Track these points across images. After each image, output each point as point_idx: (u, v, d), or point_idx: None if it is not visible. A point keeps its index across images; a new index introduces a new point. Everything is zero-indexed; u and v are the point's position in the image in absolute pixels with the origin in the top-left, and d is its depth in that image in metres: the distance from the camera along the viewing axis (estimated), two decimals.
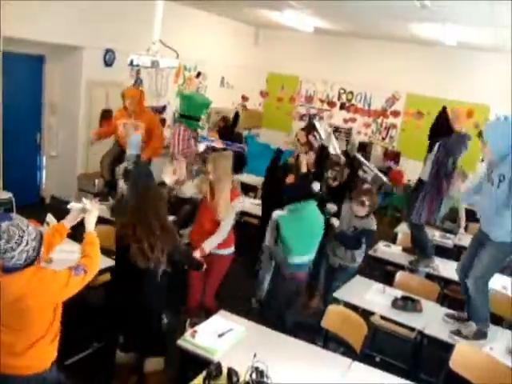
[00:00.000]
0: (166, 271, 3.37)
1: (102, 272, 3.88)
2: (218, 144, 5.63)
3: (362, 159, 5.74)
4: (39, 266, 2.41)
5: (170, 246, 3.25)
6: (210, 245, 3.93)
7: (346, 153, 5.67)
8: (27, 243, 2.26)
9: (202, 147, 5.62)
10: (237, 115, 8.03)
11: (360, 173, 5.47)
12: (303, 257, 4.07)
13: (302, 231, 4.02)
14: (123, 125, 5.45)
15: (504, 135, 3.36)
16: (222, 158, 4.05)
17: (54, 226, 2.90)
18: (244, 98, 10.15)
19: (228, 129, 7.82)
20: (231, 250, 4.18)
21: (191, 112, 5.55)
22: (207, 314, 3.77)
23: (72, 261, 2.58)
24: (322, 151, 5.38)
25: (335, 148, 5.51)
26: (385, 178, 5.52)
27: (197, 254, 3.82)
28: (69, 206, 2.87)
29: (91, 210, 2.77)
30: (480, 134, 3.54)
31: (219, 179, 3.93)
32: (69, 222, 2.86)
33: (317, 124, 5.80)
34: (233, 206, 3.98)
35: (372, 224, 4.50)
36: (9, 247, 2.22)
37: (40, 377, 2.43)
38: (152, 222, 3.18)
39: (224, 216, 3.95)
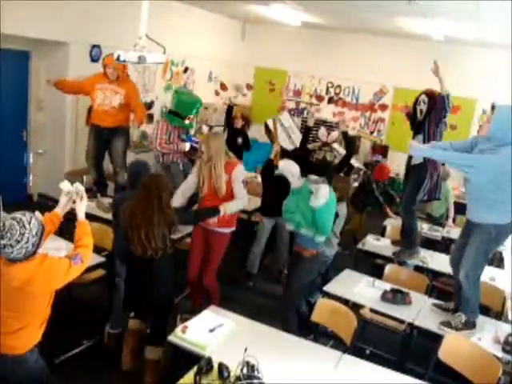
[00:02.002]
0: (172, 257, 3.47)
1: (92, 269, 3.89)
2: None
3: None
4: (44, 253, 2.46)
5: (167, 227, 3.33)
6: (230, 207, 3.93)
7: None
8: (27, 240, 2.31)
9: (187, 146, 5.60)
10: (230, 109, 7.81)
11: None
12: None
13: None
14: (102, 91, 5.24)
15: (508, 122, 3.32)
16: (214, 138, 4.12)
17: (47, 214, 2.87)
18: (223, 87, 9.96)
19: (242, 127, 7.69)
20: (232, 228, 4.28)
21: (178, 109, 5.51)
22: (208, 295, 4.01)
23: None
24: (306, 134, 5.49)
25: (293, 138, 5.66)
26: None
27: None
28: (60, 186, 2.82)
29: (81, 196, 2.76)
30: (493, 108, 3.45)
31: (211, 158, 3.99)
32: (61, 210, 2.84)
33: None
34: (234, 174, 4.03)
35: (340, 209, 4.61)
36: (8, 244, 2.27)
37: (22, 357, 2.48)
38: (154, 211, 3.28)
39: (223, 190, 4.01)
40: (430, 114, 4.57)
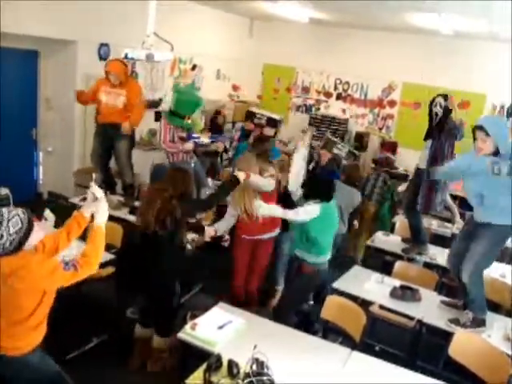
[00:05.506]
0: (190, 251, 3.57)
1: (101, 266, 3.91)
2: (205, 140, 5.55)
3: (334, 138, 5.76)
4: (30, 250, 2.41)
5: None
6: (256, 179, 3.91)
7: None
8: (1, 237, 2.27)
9: (190, 145, 5.47)
10: (217, 113, 7.92)
11: (335, 150, 5.51)
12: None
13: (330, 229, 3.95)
14: (106, 93, 5.31)
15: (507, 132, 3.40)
16: (243, 161, 4.17)
17: (74, 214, 2.81)
18: (235, 88, 10.02)
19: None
20: (277, 230, 4.34)
21: (177, 109, 5.36)
22: (249, 303, 4.03)
23: None
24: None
25: None
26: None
27: (241, 176, 3.76)
28: (91, 184, 2.77)
29: (101, 199, 2.71)
30: (479, 128, 3.48)
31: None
32: (86, 210, 2.78)
33: None
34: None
35: None
36: None
37: (23, 359, 2.46)
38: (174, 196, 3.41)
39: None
40: (443, 119, 4.55)
